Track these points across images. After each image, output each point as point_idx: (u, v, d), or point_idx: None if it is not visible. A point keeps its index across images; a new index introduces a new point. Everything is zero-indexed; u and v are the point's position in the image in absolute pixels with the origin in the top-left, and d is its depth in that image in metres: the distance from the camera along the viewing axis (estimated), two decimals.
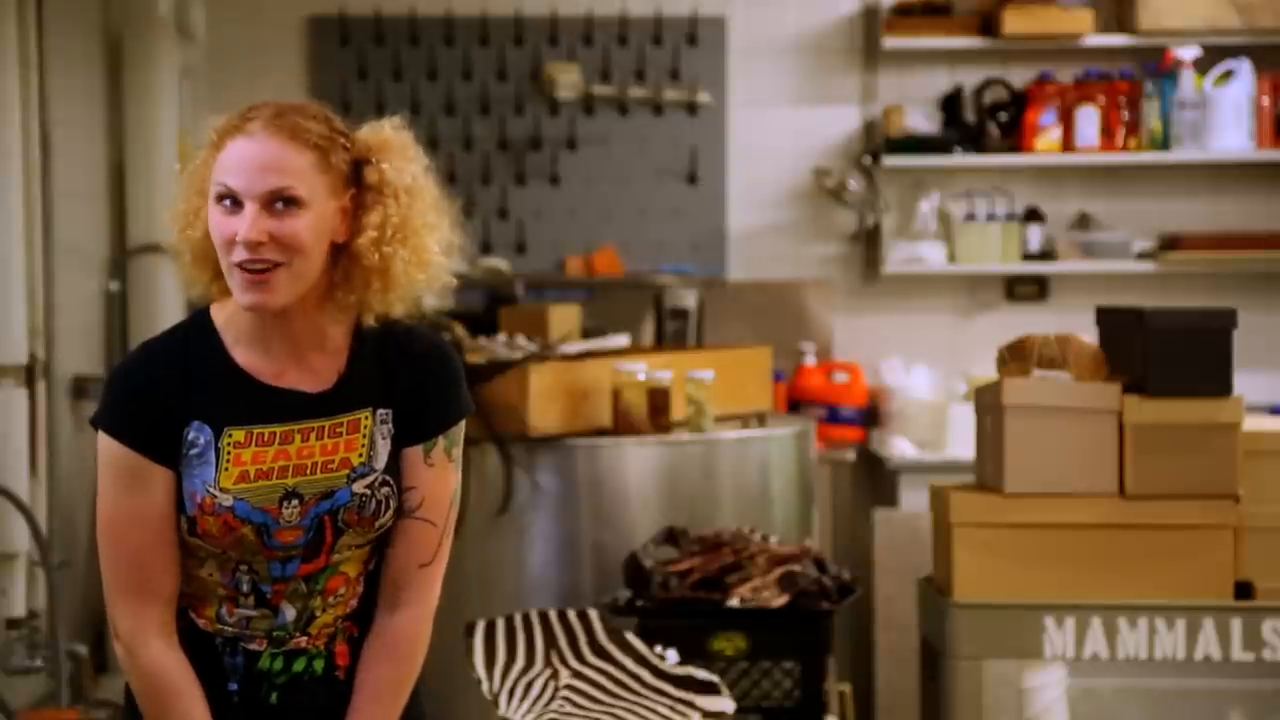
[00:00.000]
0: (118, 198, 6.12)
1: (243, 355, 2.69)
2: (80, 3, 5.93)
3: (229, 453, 2.65)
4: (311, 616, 2.72)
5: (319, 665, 2.75)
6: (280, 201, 2.60)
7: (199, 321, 2.73)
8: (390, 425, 2.73)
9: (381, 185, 2.69)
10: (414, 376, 2.75)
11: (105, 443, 2.68)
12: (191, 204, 2.69)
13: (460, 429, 2.80)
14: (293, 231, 2.61)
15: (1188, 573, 4.58)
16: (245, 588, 2.69)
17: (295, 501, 2.66)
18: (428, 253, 2.71)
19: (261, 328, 2.68)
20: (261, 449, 2.66)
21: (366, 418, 2.71)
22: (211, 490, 2.64)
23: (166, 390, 2.65)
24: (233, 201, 2.60)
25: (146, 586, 2.67)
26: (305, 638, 2.73)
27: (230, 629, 2.72)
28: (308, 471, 2.67)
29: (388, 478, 2.72)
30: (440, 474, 2.76)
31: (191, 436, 2.65)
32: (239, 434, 2.65)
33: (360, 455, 2.70)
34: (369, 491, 2.70)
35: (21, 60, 5.03)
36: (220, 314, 2.71)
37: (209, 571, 2.69)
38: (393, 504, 2.72)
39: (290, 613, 2.71)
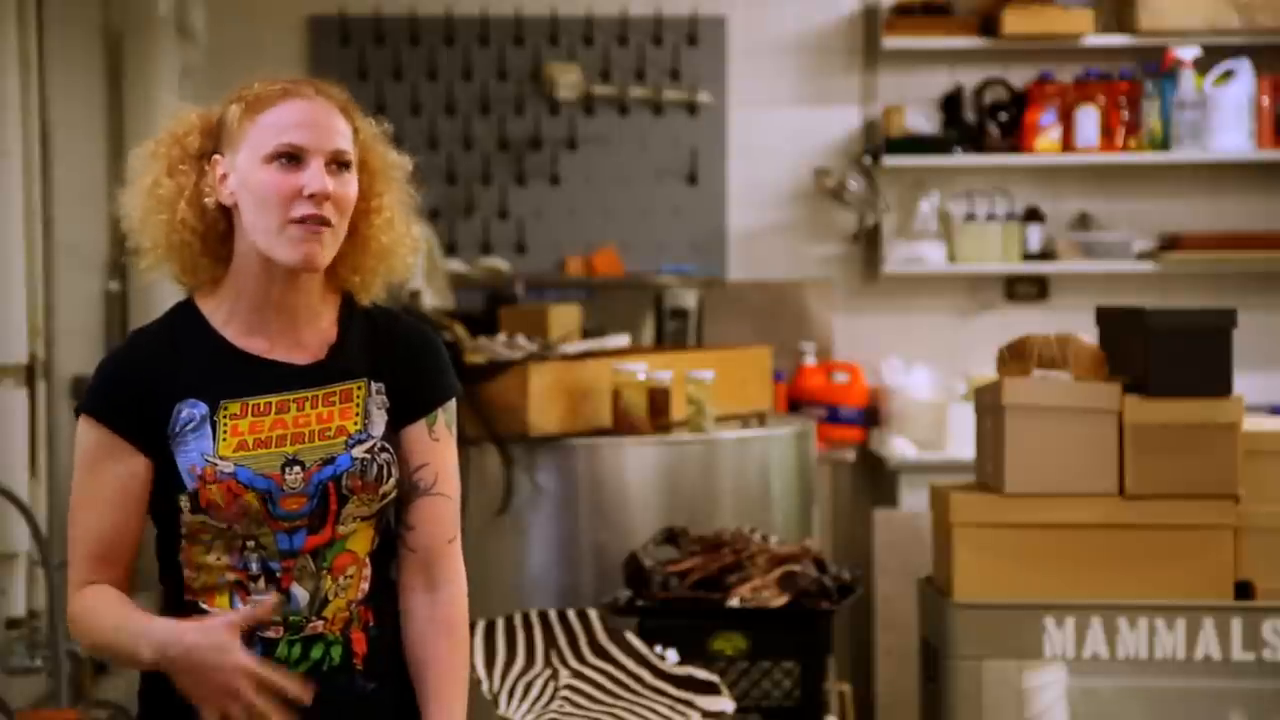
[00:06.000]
0: (118, 198, 6.11)
1: (233, 333, 2.71)
2: (80, 3, 5.93)
3: (225, 424, 2.66)
4: (324, 600, 2.70)
5: (336, 653, 2.71)
6: (338, 163, 2.66)
7: (185, 308, 2.75)
8: (385, 399, 2.74)
9: (386, 169, 2.77)
10: (406, 353, 2.78)
11: (85, 426, 2.69)
12: (177, 184, 2.72)
13: (454, 406, 2.82)
14: (347, 194, 2.67)
15: (1188, 573, 4.58)
16: (254, 568, 2.67)
17: (297, 468, 2.66)
18: (411, 237, 2.79)
19: (263, 302, 2.70)
20: (258, 419, 2.67)
21: (359, 388, 2.72)
22: (210, 459, 2.64)
23: (154, 372, 2.67)
24: (291, 160, 2.64)
25: (107, 555, 2.68)
26: (321, 622, 2.70)
27: None
28: (306, 439, 2.68)
29: (386, 445, 2.72)
30: (446, 447, 2.78)
31: (185, 414, 2.66)
32: (234, 406, 2.67)
33: (356, 423, 2.71)
34: (369, 456, 2.70)
35: (21, 60, 5.04)
36: (206, 302, 2.74)
37: (216, 555, 2.68)
38: (394, 471, 2.73)
39: (302, 595, 2.68)
